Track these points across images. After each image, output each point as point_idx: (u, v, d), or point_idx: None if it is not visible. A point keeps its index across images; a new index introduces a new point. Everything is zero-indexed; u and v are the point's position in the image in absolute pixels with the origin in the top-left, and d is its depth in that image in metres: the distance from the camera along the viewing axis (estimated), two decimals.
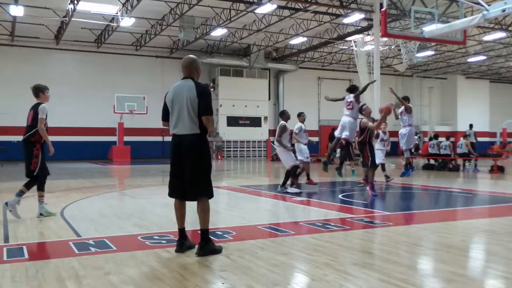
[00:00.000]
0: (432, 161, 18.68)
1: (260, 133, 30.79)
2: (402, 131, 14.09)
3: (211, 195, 4.75)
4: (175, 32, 23.55)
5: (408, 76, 36.96)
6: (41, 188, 6.99)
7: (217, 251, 4.63)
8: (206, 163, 4.70)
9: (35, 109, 6.77)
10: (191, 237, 5.02)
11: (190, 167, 4.60)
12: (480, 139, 35.40)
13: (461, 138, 17.78)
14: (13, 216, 6.64)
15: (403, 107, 14.06)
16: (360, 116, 10.48)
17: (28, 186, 6.92)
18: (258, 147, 30.69)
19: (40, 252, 4.89)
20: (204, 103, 4.59)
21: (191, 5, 19.41)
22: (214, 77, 29.71)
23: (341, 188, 12.06)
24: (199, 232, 4.70)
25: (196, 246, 4.67)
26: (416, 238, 5.47)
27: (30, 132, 6.72)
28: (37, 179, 6.92)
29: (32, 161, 6.77)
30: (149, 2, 19.59)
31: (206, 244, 4.59)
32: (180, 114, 4.64)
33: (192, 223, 5.82)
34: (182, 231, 4.79)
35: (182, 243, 4.76)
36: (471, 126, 23.81)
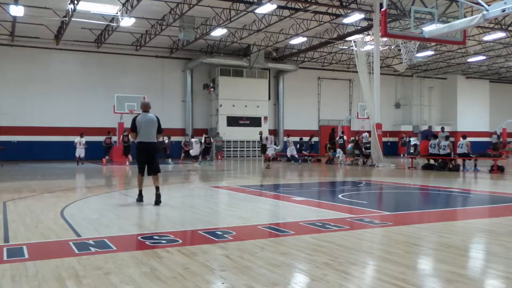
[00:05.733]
0: (432, 161, 18.65)
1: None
2: None
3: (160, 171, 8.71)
4: (175, 32, 23.55)
5: (408, 76, 36.96)
6: None
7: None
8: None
9: None
10: (191, 236, 5.00)
11: (154, 157, 8.54)
12: (480, 139, 35.46)
13: (461, 138, 17.75)
14: None
15: None
16: None
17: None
18: (258, 147, 30.66)
19: (40, 252, 4.88)
20: (160, 127, 8.56)
21: (191, 5, 19.40)
22: (214, 77, 29.70)
23: (341, 188, 12.07)
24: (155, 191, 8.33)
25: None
26: (416, 238, 5.46)
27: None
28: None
29: None
30: (149, 2, 19.58)
31: (160, 197, 8.12)
32: (149, 131, 8.43)
33: (193, 223, 5.87)
34: (141, 191, 8.53)
35: (142, 197, 8.46)
36: None
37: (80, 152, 22.98)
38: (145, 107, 8.65)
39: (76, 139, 23.26)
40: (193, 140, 24.57)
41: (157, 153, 8.69)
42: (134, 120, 8.46)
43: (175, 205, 8.33)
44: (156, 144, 8.57)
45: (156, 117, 8.51)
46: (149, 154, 8.46)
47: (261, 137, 25.66)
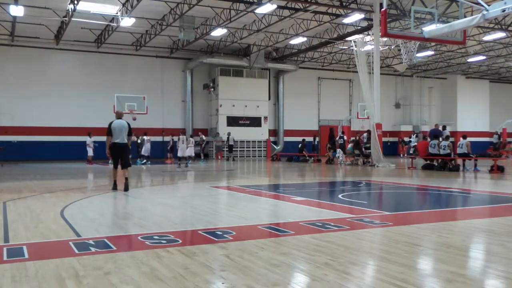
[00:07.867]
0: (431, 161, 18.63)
1: (260, 133, 30.76)
2: None
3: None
4: (175, 32, 23.55)
5: (408, 76, 36.96)
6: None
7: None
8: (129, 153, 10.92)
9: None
10: (191, 236, 5.01)
11: (124, 155, 10.58)
12: (480, 139, 35.45)
13: (461, 138, 17.75)
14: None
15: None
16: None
17: None
18: (258, 147, 30.69)
19: (40, 252, 4.88)
20: (130, 130, 10.60)
21: (191, 5, 19.40)
22: (214, 77, 29.71)
23: (341, 188, 12.07)
24: (125, 181, 10.55)
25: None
26: (416, 238, 5.46)
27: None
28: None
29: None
30: (149, 2, 19.59)
31: (128, 185, 10.35)
32: (121, 134, 10.42)
33: (193, 223, 5.90)
34: (116, 181, 10.64)
35: (116, 186, 10.55)
36: None
37: (88, 151, 23.47)
38: (119, 115, 10.85)
39: (87, 139, 23.77)
40: (191, 139, 24.52)
41: (128, 152, 10.72)
42: (109, 126, 10.44)
43: (175, 205, 8.33)
44: (127, 145, 10.60)
45: (127, 123, 10.60)
46: (121, 152, 10.52)
47: (228, 138, 27.65)
